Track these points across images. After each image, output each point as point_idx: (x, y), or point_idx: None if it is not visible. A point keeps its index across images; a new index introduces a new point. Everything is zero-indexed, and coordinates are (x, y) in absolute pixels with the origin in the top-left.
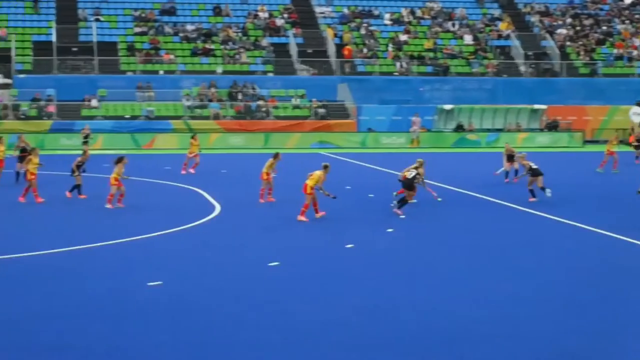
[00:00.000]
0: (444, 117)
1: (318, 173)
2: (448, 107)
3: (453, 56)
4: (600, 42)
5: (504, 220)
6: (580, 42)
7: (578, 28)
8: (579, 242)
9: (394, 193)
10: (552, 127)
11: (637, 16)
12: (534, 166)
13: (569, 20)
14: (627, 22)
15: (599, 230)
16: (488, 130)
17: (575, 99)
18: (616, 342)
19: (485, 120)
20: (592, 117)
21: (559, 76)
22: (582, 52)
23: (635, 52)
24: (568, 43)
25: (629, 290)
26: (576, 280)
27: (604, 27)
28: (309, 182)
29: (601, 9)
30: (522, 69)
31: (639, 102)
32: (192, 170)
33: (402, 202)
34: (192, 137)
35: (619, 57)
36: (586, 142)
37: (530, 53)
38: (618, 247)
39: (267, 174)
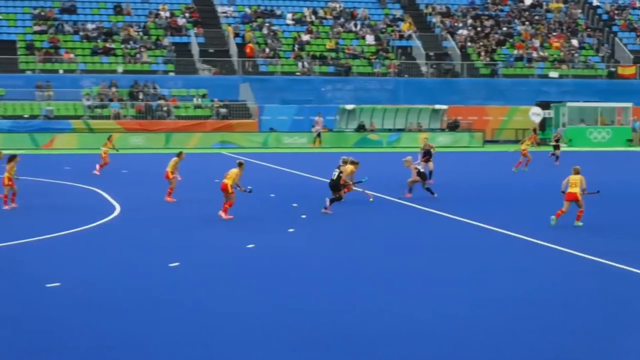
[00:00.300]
0: (346, 117)
1: (234, 171)
2: (350, 107)
3: (355, 56)
4: (500, 43)
5: (404, 220)
6: (481, 43)
7: (479, 29)
8: (473, 239)
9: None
10: (453, 127)
11: (536, 17)
12: (422, 170)
13: (469, 21)
14: (527, 23)
15: (499, 230)
16: (389, 130)
17: (475, 100)
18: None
19: (387, 120)
20: (493, 117)
21: (460, 76)
22: (482, 53)
23: (534, 53)
24: (469, 44)
25: (522, 289)
26: (469, 277)
27: (504, 28)
28: (227, 181)
29: (502, 10)
30: (424, 69)
31: (538, 102)
32: (97, 172)
33: (334, 200)
34: (108, 138)
35: (519, 58)
36: (486, 142)
37: (431, 53)
38: (515, 245)
39: (172, 172)
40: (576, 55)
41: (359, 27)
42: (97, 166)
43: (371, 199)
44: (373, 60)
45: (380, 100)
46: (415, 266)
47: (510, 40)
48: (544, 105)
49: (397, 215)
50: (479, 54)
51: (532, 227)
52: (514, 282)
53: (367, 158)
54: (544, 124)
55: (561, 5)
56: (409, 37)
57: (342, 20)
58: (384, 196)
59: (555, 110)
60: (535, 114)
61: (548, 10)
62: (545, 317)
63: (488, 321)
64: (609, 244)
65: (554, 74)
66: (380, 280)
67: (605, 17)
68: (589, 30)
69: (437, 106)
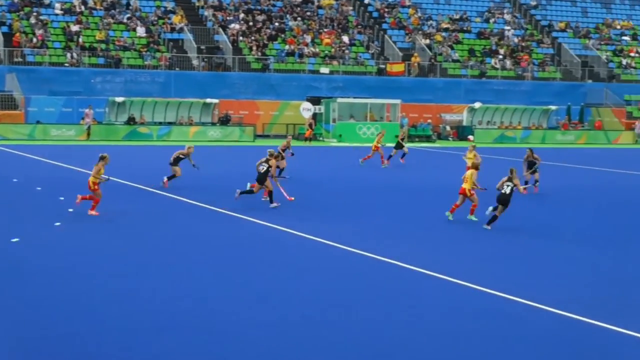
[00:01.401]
0: (116, 109)
1: (97, 166)
2: (119, 99)
3: (125, 48)
4: (272, 38)
5: (166, 212)
6: (253, 38)
7: (251, 23)
8: (244, 234)
9: (248, 184)
10: (224, 121)
11: (308, 13)
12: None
13: (242, 15)
14: (299, 19)
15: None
16: (160, 123)
17: (247, 94)
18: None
19: (157, 113)
20: (264, 112)
21: (232, 71)
22: (254, 48)
23: (306, 49)
24: (241, 38)
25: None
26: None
27: (277, 24)
28: (92, 179)
29: (274, 6)
30: (195, 62)
31: (309, 97)
32: None
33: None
34: None
35: (291, 53)
36: (257, 136)
37: (203, 47)
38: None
39: None
40: (347, 51)
41: (130, 18)
42: None
43: (292, 199)
44: (144, 53)
45: (151, 93)
46: (173, 260)
47: (282, 35)
48: (315, 101)
49: (159, 207)
50: (250, 49)
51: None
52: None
53: (136, 151)
54: (316, 118)
55: (333, 1)
56: (181, 30)
57: (113, 11)
58: (146, 188)
59: (325, 105)
60: (306, 109)
61: (320, 7)
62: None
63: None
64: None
65: (324, 69)
66: (136, 276)
67: (375, 14)
68: (359, 27)
69: (208, 100)
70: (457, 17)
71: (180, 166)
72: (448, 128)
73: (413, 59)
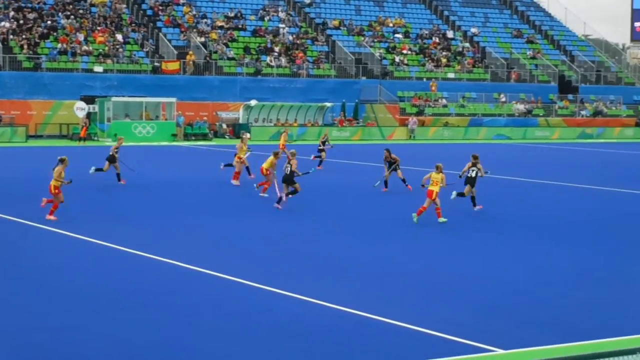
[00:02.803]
0: None
1: (57, 169)
2: None
3: None
4: (44, 36)
5: None
6: (24, 36)
7: (21, 21)
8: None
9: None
10: None
11: (81, 11)
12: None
13: (12, 13)
14: (71, 17)
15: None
16: None
17: (18, 94)
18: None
19: None
20: (37, 111)
21: (2, 70)
22: (25, 46)
23: (79, 47)
24: (11, 36)
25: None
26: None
27: (48, 22)
28: (53, 182)
29: (45, 3)
30: None
31: (83, 97)
32: None
33: (290, 194)
34: None
35: (63, 52)
36: (30, 137)
37: None
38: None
39: None
40: (121, 50)
41: None
42: None
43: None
44: None
45: None
46: None
47: (55, 33)
48: (89, 100)
49: None
50: (21, 47)
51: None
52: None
53: None
54: (90, 118)
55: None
56: None
57: None
58: None
59: (100, 104)
60: (80, 108)
61: (92, 4)
62: None
63: None
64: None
65: (98, 68)
66: None
67: (150, 12)
68: (133, 25)
69: None
70: (232, 15)
71: None
72: (224, 126)
73: (188, 57)
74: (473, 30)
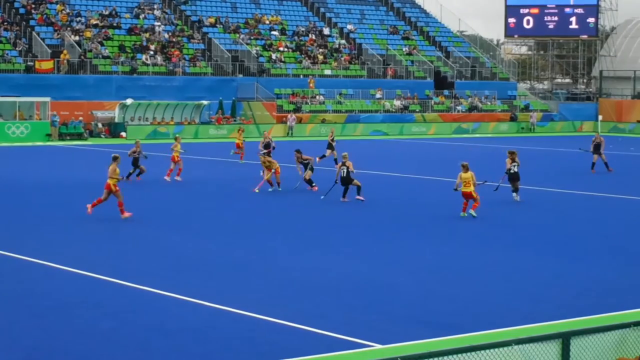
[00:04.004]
0: None
1: (111, 167)
2: None
3: None
4: None
5: None
6: None
7: None
8: None
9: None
10: None
11: None
12: None
13: None
14: None
15: None
16: None
17: None
18: None
19: None
20: None
21: None
22: None
23: None
24: None
25: None
26: None
27: None
28: (110, 181)
29: None
30: None
31: None
32: None
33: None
34: None
35: None
36: None
37: None
38: None
39: None
40: None
41: None
42: None
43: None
44: None
45: None
46: None
47: None
48: None
49: None
50: None
51: None
52: None
53: None
54: None
55: None
56: None
57: None
58: None
59: None
60: None
61: None
62: None
63: None
64: None
65: None
66: None
67: (22, 10)
68: (5, 24)
69: None
70: (107, 13)
71: None
72: (100, 125)
73: (62, 55)
74: (349, 27)
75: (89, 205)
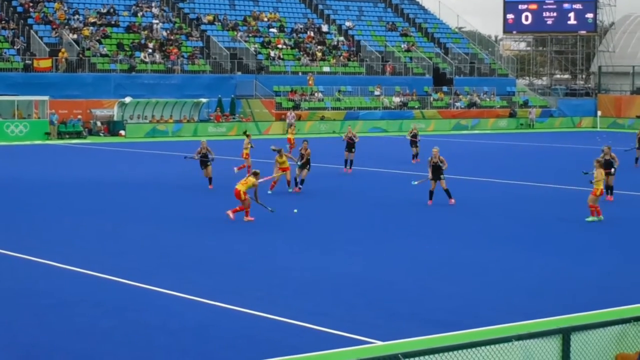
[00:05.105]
0: None
1: (251, 179)
2: None
3: None
4: None
5: None
6: None
7: None
8: None
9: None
10: None
11: None
12: None
13: None
14: None
15: None
16: None
17: None
18: None
19: None
20: None
21: None
22: None
23: None
24: None
25: None
26: None
27: None
28: (241, 187)
29: None
30: None
31: None
32: None
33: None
34: None
35: None
36: None
37: None
38: None
39: None
40: None
41: None
42: None
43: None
44: None
45: None
46: None
47: None
48: None
49: None
50: None
51: None
52: None
53: None
54: None
55: None
56: None
57: None
58: None
59: None
60: None
61: None
62: None
63: None
64: None
65: None
66: None
67: (20, 9)
68: (3, 22)
69: None
70: (105, 11)
71: None
72: (99, 123)
73: (60, 54)
74: (347, 23)
75: (230, 212)
